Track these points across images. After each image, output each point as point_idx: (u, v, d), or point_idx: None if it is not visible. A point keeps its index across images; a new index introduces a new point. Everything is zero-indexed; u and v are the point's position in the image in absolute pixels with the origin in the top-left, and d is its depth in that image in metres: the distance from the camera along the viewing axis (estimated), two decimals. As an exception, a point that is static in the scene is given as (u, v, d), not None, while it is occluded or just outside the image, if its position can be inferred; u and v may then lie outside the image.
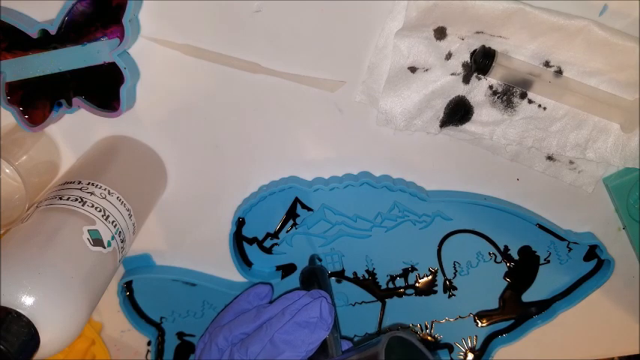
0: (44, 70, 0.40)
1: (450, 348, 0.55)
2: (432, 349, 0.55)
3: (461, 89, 0.42)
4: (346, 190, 0.47)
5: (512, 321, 0.53)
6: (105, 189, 0.40)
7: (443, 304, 0.53)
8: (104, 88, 0.42)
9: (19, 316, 0.32)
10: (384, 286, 0.52)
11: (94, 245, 0.37)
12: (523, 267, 0.51)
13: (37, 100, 0.42)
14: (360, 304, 0.53)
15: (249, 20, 0.41)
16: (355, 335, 0.54)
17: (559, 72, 0.41)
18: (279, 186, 0.47)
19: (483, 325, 0.53)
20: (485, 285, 0.52)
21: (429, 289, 0.52)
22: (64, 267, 0.35)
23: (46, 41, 0.40)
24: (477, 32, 0.40)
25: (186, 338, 0.55)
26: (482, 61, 0.39)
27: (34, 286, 0.33)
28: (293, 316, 0.40)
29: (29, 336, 0.32)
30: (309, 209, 0.48)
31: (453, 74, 0.41)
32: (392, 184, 0.46)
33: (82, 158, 0.46)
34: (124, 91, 0.41)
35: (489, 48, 0.40)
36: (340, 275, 0.51)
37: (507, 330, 0.53)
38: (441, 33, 0.40)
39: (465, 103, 0.42)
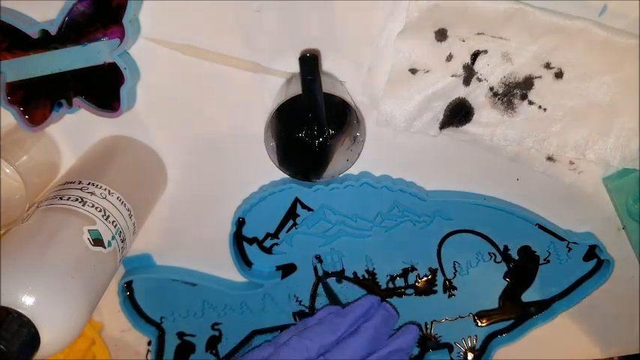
0: (44, 70, 0.40)
1: (449, 348, 0.55)
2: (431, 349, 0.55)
3: (461, 91, 0.42)
4: (346, 190, 0.47)
5: (511, 321, 0.53)
6: (105, 189, 0.40)
7: (443, 304, 0.53)
8: (104, 89, 0.42)
9: (20, 315, 0.32)
10: (384, 286, 0.52)
11: (94, 245, 0.37)
12: (523, 267, 0.51)
13: (38, 100, 0.42)
14: (360, 303, 0.53)
15: (249, 20, 0.41)
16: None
17: (560, 74, 0.41)
18: (279, 186, 0.47)
19: (483, 324, 0.53)
20: (485, 285, 0.52)
21: (428, 289, 0.52)
22: (64, 267, 0.35)
23: (46, 41, 0.40)
24: (478, 34, 0.40)
25: (187, 338, 0.55)
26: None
27: (34, 286, 0.33)
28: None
29: (29, 336, 0.32)
30: (309, 209, 0.48)
31: (453, 76, 0.41)
32: (392, 184, 0.46)
33: (82, 158, 0.46)
34: (124, 91, 0.41)
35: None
36: (340, 275, 0.51)
37: (507, 330, 0.53)
38: (441, 35, 0.40)
39: (465, 104, 0.42)
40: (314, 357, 0.42)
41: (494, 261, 0.51)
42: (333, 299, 0.52)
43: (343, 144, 0.42)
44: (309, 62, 0.34)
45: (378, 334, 0.45)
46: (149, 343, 0.56)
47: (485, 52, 0.41)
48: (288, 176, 0.41)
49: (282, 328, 0.54)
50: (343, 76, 0.43)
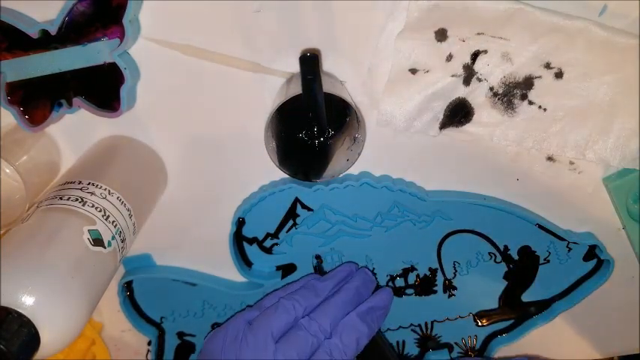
0: (44, 70, 0.40)
1: (449, 348, 0.55)
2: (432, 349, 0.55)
3: (461, 91, 0.42)
4: (346, 190, 0.47)
5: (512, 321, 0.53)
6: (105, 189, 0.40)
7: (443, 303, 0.53)
8: (104, 89, 0.42)
9: (20, 315, 0.32)
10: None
11: (94, 245, 0.37)
12: (523, 267, 0.51)
13: (38, 101, 0.42)
14: (360, 303, 0.53)
15: (249, 20, 0.41)
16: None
17: (560, 74, 0.41)
18: (279, 186, 0.47)
19: (483, 324, 0.53)
20: (485, 285, 0.52)
21: (428, 289, 0.52)
22: (64, 267, 0.35)
23: (46, 41, 0.40)
24: (478, 34, 0.40)
25: (187, 338, 0.55)
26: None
27: (34, 286, 0.33)
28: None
29: (29, 336, 0.32)
30: (309, 209, 0.48)
31: (453, 76, 0.41)
32: (392, 184, 0.46)
33: (82, 158, 0.46)
34: (124, 91, 0.41)
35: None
36: (340, 275, 0.51)
37: (507, 330, 0.53)
38: (441, 35, 0.40)
39: (465, 104, 0.42)
40: (300, 316, 0.44)
41: (494, 261, 0.51)
42: None
43: (343, 144, 0.42)
44: (310, 62, 0.34)
45: (359, 295, 0.46)
46: (149, 343, 0.56)
47: (486, 52, 0.41)
48: (288, 176, 0.41)
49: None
50: (343, 76, 0.43)
